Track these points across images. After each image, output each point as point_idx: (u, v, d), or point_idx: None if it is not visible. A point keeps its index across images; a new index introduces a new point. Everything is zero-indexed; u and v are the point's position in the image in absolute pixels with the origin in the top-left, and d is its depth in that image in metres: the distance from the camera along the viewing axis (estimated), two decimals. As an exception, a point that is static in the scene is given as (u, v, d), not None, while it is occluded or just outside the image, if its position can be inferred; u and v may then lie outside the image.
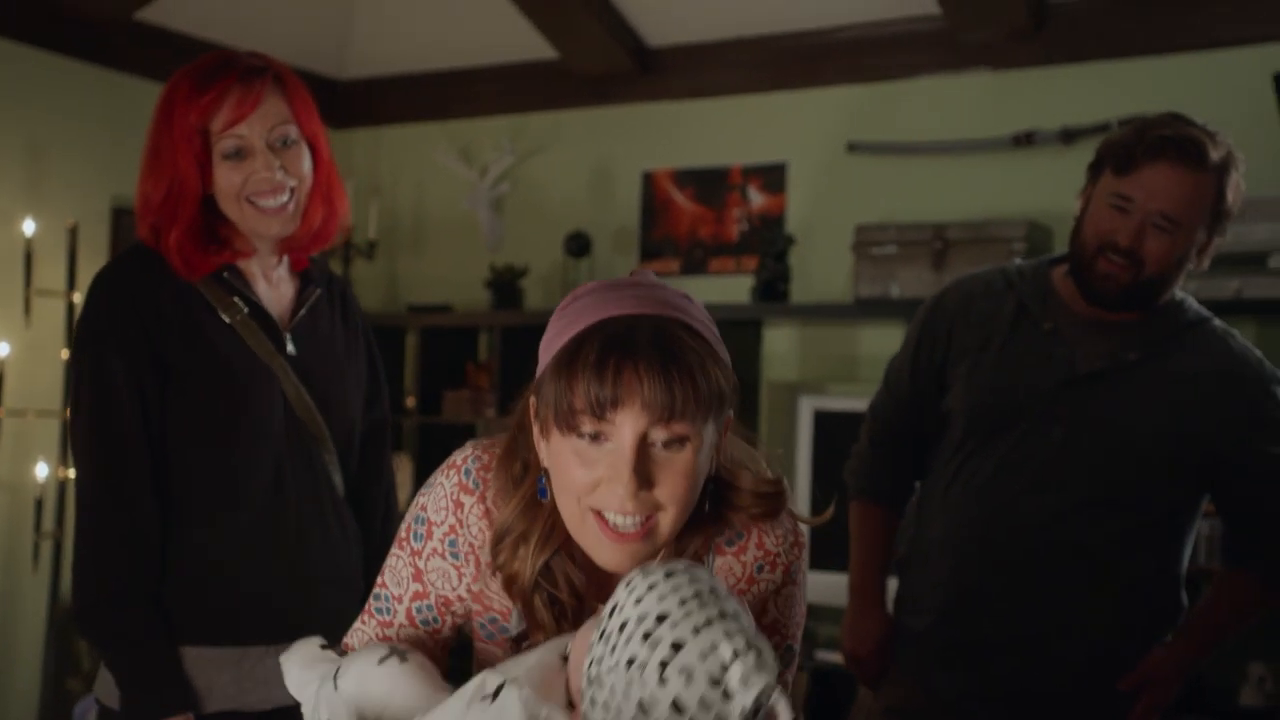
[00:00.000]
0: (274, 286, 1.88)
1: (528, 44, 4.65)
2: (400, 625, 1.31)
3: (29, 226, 3.99)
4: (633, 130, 4.64)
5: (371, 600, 1.35)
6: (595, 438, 1.15)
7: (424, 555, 1.28)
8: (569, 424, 1.15)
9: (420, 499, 1.30)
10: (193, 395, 1.76)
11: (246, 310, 1.81)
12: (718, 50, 4.52)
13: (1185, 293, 2.15)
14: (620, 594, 1.04)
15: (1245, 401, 2.03)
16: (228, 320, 1.79)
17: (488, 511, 1.25)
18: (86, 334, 1.77)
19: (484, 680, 1.13)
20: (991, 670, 2.05)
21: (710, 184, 4.52)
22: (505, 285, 4.64)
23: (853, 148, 4.28)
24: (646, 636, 1.00)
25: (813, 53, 4.37)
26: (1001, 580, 2.05)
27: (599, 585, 1.24)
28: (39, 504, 3.95)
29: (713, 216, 4.51)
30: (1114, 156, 2.02)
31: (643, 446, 1.14)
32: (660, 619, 1.00)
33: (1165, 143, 1.95)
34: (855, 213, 4.16)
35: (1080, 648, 2.04)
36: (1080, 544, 2.02)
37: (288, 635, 1.76)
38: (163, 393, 1.75)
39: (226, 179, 1.77)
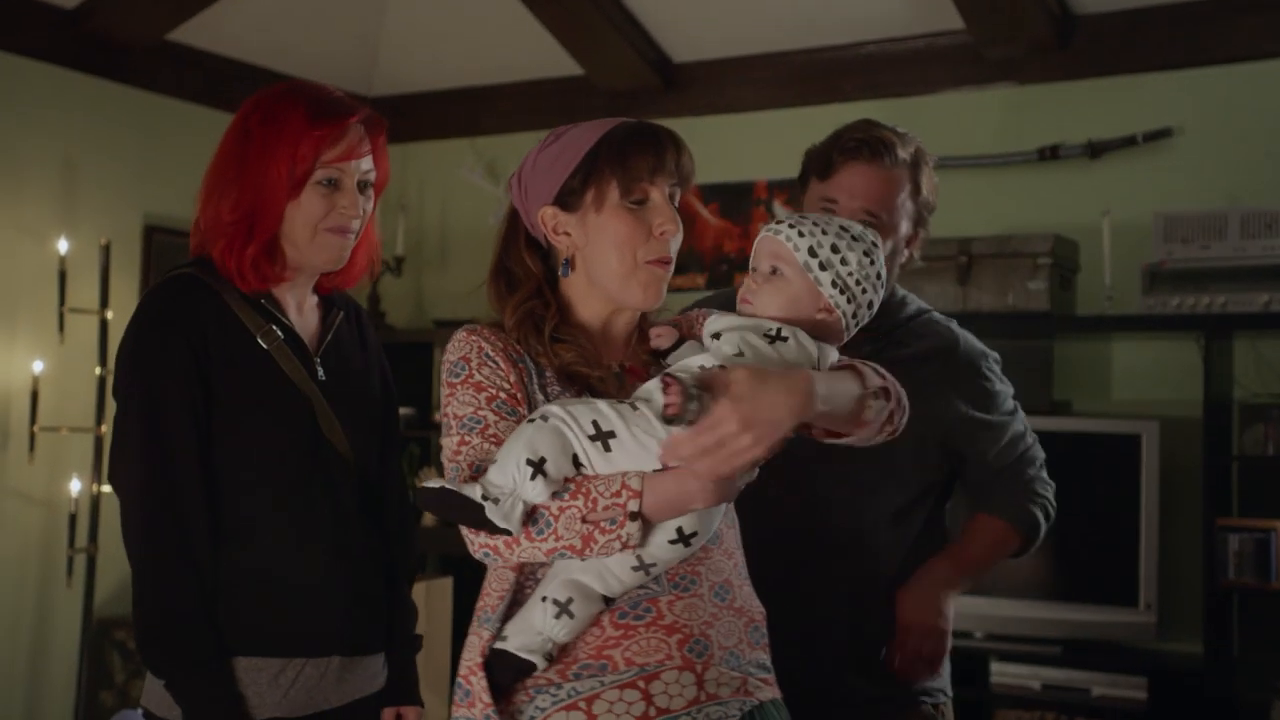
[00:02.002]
0: (302, 314, 1.93)
1: (553, 60, 4.69)
2: (493, 421, 1.54)
3: (63, 245, 4.04)
4: (657, 146, 4.66)
5: (458, 433, 1.55)
6: (641, 203, 1.59)
7: (474, 374, 1.57)
8: (629, 192, 1.58)
9: (444, 365, 1.60)
10: (235, 421, 1.80)
11: (282, 337, 1.86)
12: (741, 65, 4.54)
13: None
14: (803, 240, 1.57)
15: (960, 374, 2.15)
16: (265, 346, 1.83)
17: (493, 331, 1.61)
18: (138, 364, 1.80)
19: (759, 325, 1.55)
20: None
21: (735, 198, 4.54)
22: (531, 300, 4.66)
23: (877, 162, 4.29)
24: (848, 244, 1.58)
25: (836, 68, 4.39)
26: (765, 585, 2.03)
27: (596, 343, 1.64)
28: (73, 519, 4.00)
29: (738, 231, 4.53)
30: (815, 164, 2.15)
31: None
32: (839, 236, 1.59)
33: (859, 145, 2.10)
34: (880, 227, 4.16)
35: (853, 640, 2.08)
36: (848, 530, 2.09)
37: (328, 648, 1.84)
38: (210, 418, 1.79)
39: (312, 206, 1.83)
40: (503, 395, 1.55)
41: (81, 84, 4.26)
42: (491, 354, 1.57)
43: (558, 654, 1.51)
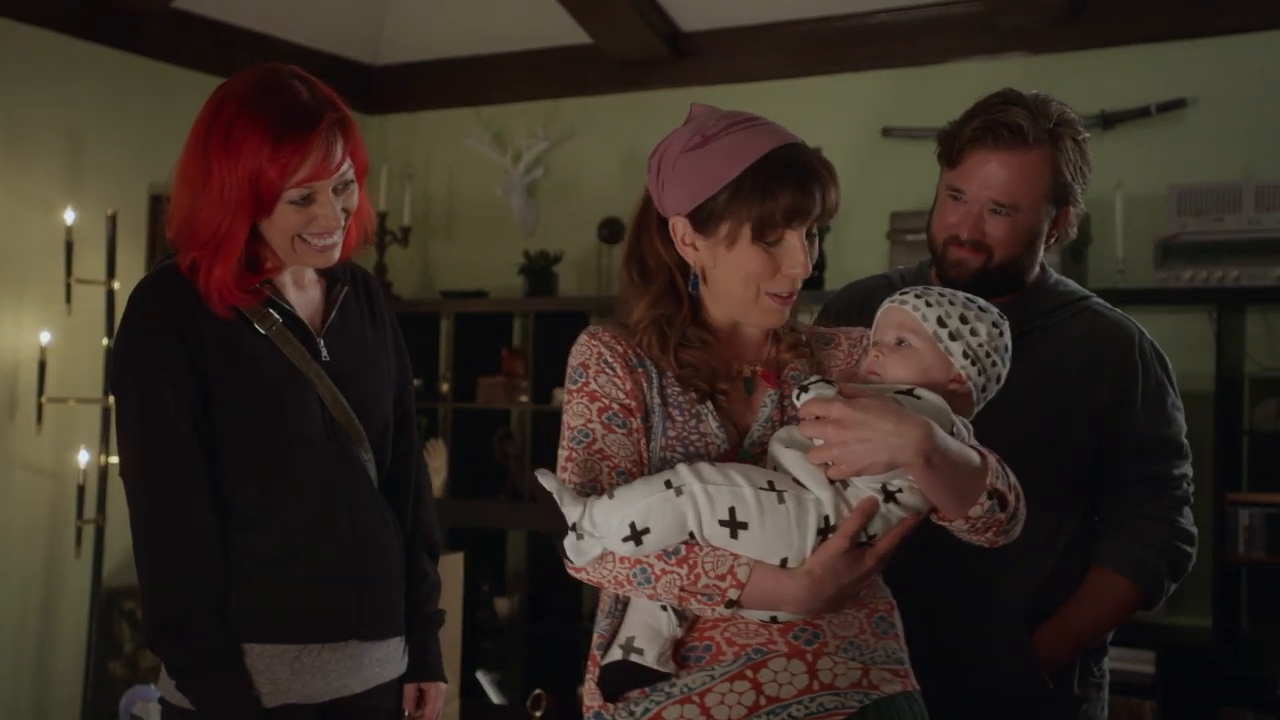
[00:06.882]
0: (303, 291, 1.88)
1: (560, 29, 4.65)
2: (600, 435, 1.55)
3: (69, 215, 4.03)
4: (666, 115, 4.53)
5: (568, 445, 1.57)
6: (775, 243, 1.53)
7: (590, 382, 1.58)
8: (763, 236, 1.52)
9: (569, 369, 1.60)
10: (236, 409, 1.77)
11: (280, 320, 1.81)
12: (751, 35, 4.50)
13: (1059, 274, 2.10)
14: (931, 310, 1.55)
15: (1120, 367, 1.98)
16: (263, 331, 1.80)
17: (614, 334, 1.60)
18: (131, 361, 1.77)
19: (886, 389, 1.50)
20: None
21: (744, 169, 4.50)
22: (539, 272, 4.65)
23: (887, 133, 4.26)
24: (976, 315, 1.56)
25: (846, 37, 4.35)
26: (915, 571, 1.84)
27: (728, 343, 1.63)
28: (81, 490, 4.00)
29: (746, 202, 4.50)
30: (944, 148, 1.99)
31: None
32: (966, 306, 1.57)
33: (984, 131, 1.91)
34: (890, 199, 4.13)
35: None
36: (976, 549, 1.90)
37: (345, 632, 1.81)
38: (208, 408, 1.76)
39: (287, 220, 1.76)
40: (615, 406, 1.56)
41: (88, 52, 4.23)
42: (610, 360, 1.57)
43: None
